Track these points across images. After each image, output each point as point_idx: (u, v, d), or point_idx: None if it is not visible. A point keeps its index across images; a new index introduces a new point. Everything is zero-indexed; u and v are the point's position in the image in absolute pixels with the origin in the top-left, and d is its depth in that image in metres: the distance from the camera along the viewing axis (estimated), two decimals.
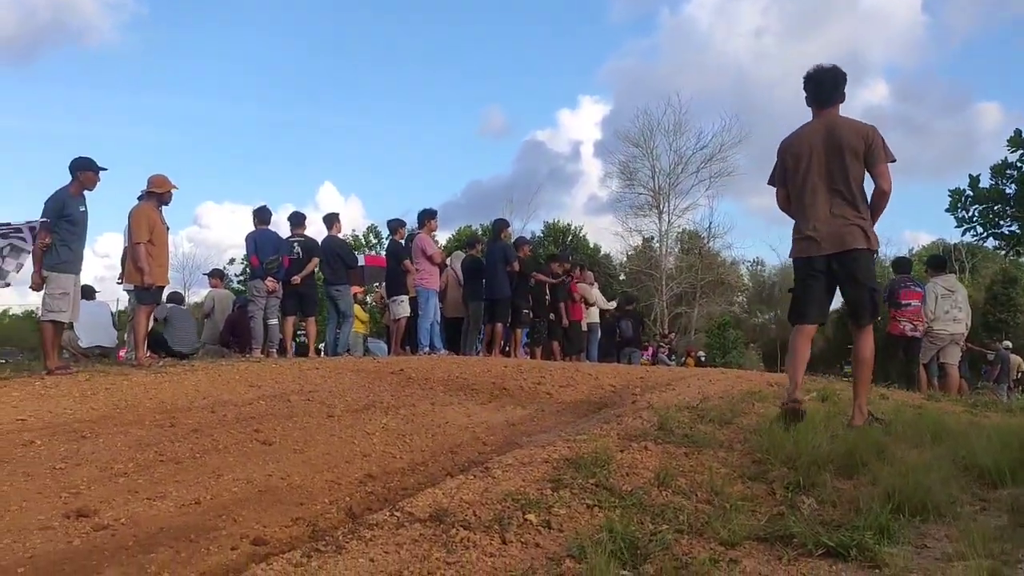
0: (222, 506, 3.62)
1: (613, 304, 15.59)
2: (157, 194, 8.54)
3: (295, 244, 10.68)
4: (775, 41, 62.69)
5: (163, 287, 8.70)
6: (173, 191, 8.63)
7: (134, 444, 4.72)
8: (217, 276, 13.53)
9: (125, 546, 3.13)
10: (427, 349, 10.72)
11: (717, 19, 63.78)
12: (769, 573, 2.51)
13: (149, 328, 9.09)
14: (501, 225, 12.30)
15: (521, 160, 68.60)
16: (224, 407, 5.79)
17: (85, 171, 7.78)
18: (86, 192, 7.89)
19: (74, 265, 7.73)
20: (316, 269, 10.93)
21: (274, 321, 10.44)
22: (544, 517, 2.90)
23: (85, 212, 7.83)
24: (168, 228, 8.62)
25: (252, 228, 10.52)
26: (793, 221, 5.01)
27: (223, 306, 12.08)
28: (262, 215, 10.56)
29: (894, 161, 4.83)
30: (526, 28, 76.23)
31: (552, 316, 12.70)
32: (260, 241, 10.31)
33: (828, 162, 4.76)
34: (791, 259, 5.13)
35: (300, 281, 10.49)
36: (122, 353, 11.01)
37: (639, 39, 74.95)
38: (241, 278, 33.55)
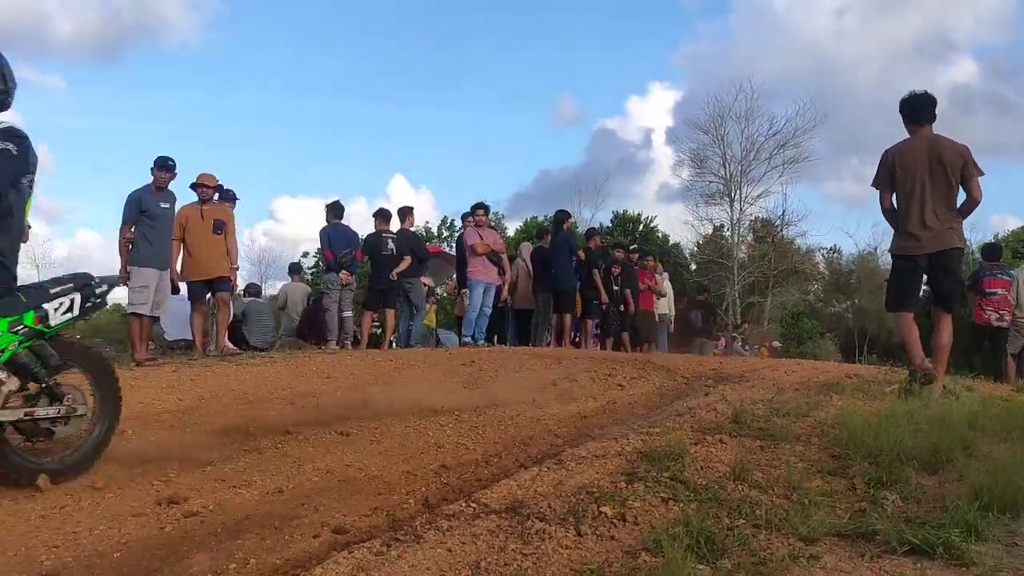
0: (304, 495, 3.73)
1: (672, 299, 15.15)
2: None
3: (388, 240, 10.83)
4: (857, 20, 60.47)
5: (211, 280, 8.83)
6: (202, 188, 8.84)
7: (219, 434, 4.90)
8: (296, 271, 13.90)
9: (214, 532, 3.25)
10: (468, 339, 10.77)
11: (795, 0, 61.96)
12: (851, 570, 2.47)
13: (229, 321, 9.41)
14: (562, 216, 12.24)
15: (592, 149, 67.83)
16: (302, 398, 5.95)
17: (158, 169, 8.06)
18: (172, 190, 8.19)
19: (156, 260, 8.01)
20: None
21: (348, 313, 10.65)
22: (619, 510, 2.91)
23: (167, 209, 8.11)
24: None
25: (325, 223, 10.74)
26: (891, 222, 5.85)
27: (296, 299, 12.38)
28: (335, 210, 10.77)
29: (983, 175, 5.60)
30: (596, 14, 75.44)
31: (622, 307, 12.62)
32: (334, 235, 10.52)
33: (932, 174, 5.54)
34: (892, 254, 5.96)
35: (397, 278, 10.65)
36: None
37: (712, 22, 73.30)
38: (314, 271, 34.24)
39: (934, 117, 5.73)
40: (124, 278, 7.89)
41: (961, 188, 5.58)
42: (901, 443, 3.69)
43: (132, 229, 7.99)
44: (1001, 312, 9.38)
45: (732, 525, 2.78)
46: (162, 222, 8.06)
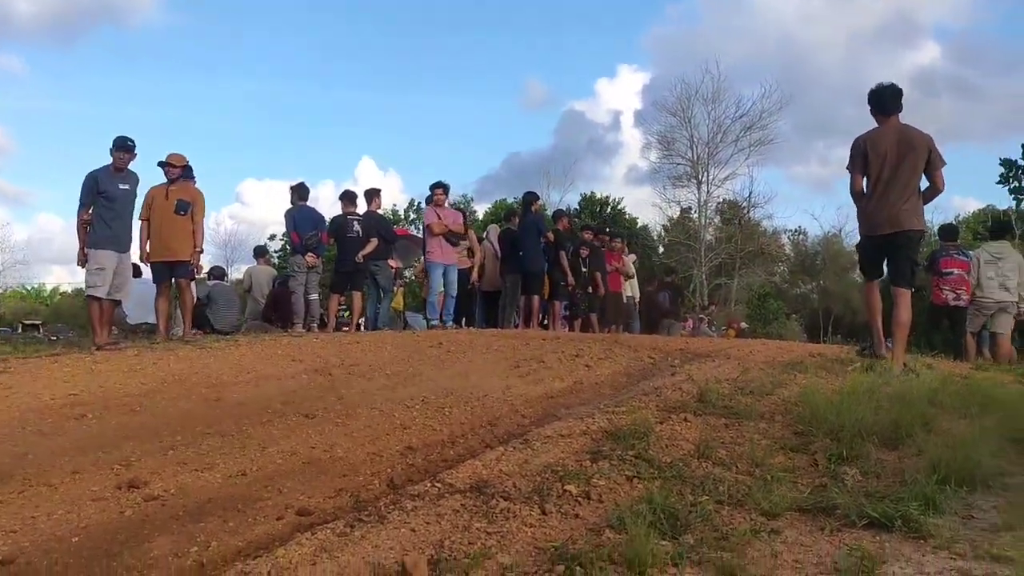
0: (267, 477, 3.69)
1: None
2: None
3: (354, 222, 10.73)
4: (824, 3, 60.94)
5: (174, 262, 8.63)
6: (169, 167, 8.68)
7: (182, 417, 4.84)
8: (262, 254, 13.74)
9: (175, 516, 3.21)
10: (435, 322, 10.74)
11: None
12: (811, 544, 2.50)
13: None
14: (531, 197, 12.20)
15: (560, 131, 68.08)
16: (268, 381, 5.89)
17: (116, 150, 7.89)
18: (134, 171, 8.02)
19: (114, 242, 7.84)
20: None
21: (315, 296, 10.57)
22: (583, 488, 2.92)
23: (127, 191, 7.94)
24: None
25: (290, 205, 10.62)
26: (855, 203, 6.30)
27: (261, 282, 12.25)
28: (300, 191, 10.66)
29: (945, 164, 6.04)
30: None
31: (590, 288, 12.65)
32: (299, 218, 10.41)
33: (900, 161, 5.92)
34: (860, 233, 6.46)
35: (363, 260, 10.55)
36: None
37: (680, 4, 73.52)
38: (280, 254, 33.90)
39: (900, 107, 6.09)
40: (82, 261, 7.74)
41: (926, 176, 5.98)
42: (862, 419, 3.74)
43: (89, 211, 7.82)
44: (958, 292, 9.54)
45: (695, 502, 2.80)
46: (121, 203, 7.89)
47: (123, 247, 7.96)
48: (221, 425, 4.62)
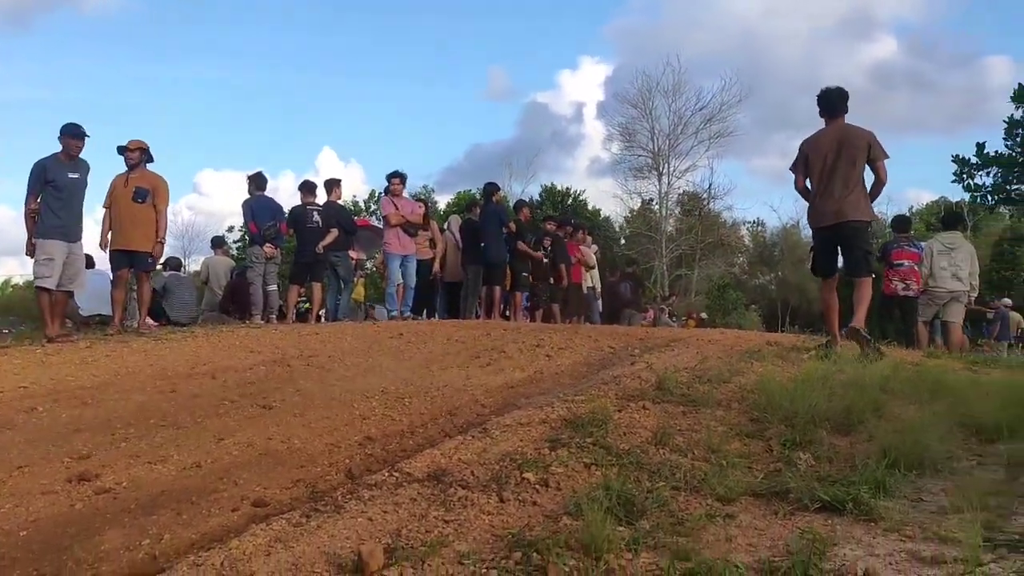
0: (223, 469, 3.64)
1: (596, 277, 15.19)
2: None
3: (314, 212, 10.60)
4: None
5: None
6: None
7: (135, 410, 4.75)
8: (219, 244, 13.53)
9: (127, 509, 3.16)
10: (395, 313, 10.70)
11: None
12: (765, 528, 2.54)
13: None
14: (492, 188, 12.18)
15: (523, 123, 68.05)
16: (224, 372, 5.81)
17: (66, 137, 7.69)
18: (85, 159, 7.83)
19: (63, 232, 7.63)
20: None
21: (273, 287, 10.43)
22: (542, 476, 2.92)
23: (77, 179, 7.74)
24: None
25: (248, 195, 10.47)
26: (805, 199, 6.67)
27: (219, 273, 12.07)
28: (258, 181, 10.50)
29: (888, 158, 6.33)
30: None
31: (552, 279, 12.68)
32: (257, 208, 10.26)
33: (838, 157, 6.26)
34: (810, 227, 6.82)
35: (323, 251, 10.44)
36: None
37: None
38: (239, 245, 33.46)
39: (846, 109, 6.46)
40: (30, 251, 7.55)
41: (870, 169, 6.31)
42: (816, 406, 3.80)
43: (38, 200, 7.62)
44: (907, 282, 9.74)
45: (652, 488, 2.82)
46: (70, 192, 7.68)
47: (73, 237, 7.75)
48: (176, 417, 4.55)
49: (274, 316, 10.46)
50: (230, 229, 42.44)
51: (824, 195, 6.33)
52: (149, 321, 9.46)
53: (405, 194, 11.47)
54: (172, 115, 74.43)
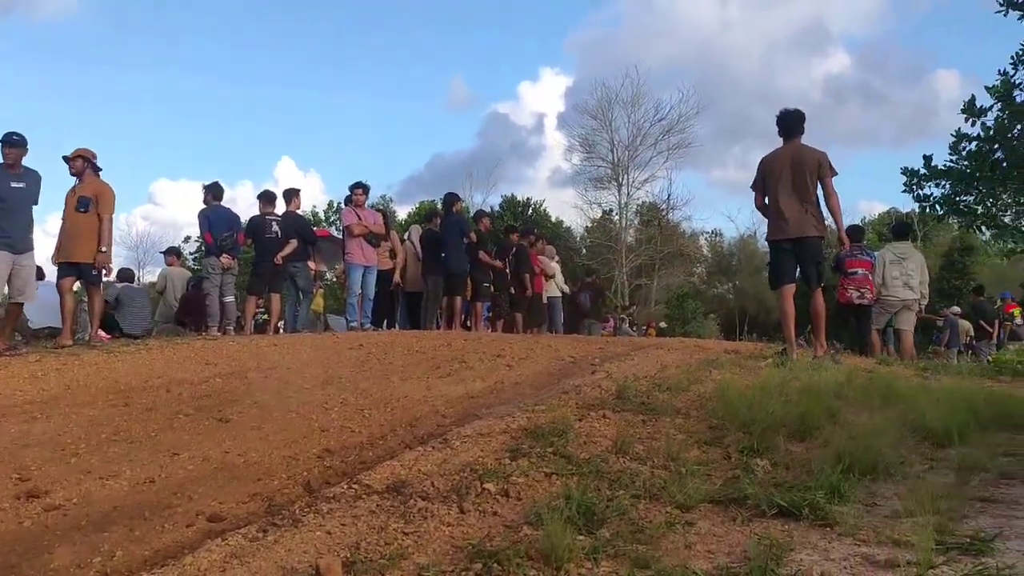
0: (177, 484, 3.57)
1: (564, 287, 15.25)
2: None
3: (273, 223, 10.48)
4: (741, 11, 62.78)
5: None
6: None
7: (87, 424, 4.64)
8: (173, 254, 13.30)
9: (78, 526, 3.08)
10: (355, 324, 10.63)
11: None
12: (724, 534, 2.55)
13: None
14: (452, 198, 12.16)
15: (484, 133, 68.14)
16: (179, 385, 5.71)
17: (2, 146, 7.51)
18: (34, 168, 7.66)
19: (8, 243, 7.43)
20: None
21: (230, 298, 10.28)
22: (502, 486, 2.91)
23: (22, 189, 7.54)
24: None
25: (204, 204, 10.32)
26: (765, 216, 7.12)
27: (176, 284, 11.87)
28: (215, 191, 10.35)
29: (836, 174, 6.82)
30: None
31: (513, 289, 12.70)
32: (214, 218, 10.12)
33: (792, 175, 6.75)
34: (767, 240, 7.16)
35: (283, 262, 10.31)
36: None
37: (601, 9, 74.52)
38: (196, 255, 32.95)
39: (802, 131, 6.96)
40: None
41: (820, 185, 6.78)
42: (773, 413, 3.85)
43: None
44: (862, 290, 9.94)
45: (612, 496, 2.83)
46: (13, 203, 7.47)
47: (19, 248, 7.53)
48: (129, 431, 4.46)
49: (231, 328, 10.31)
50: (186, 239, 41.81)
51: (782, 211, 6.76)
52: (101, 334, 9.26)
53: (366, 205, 11.41)
54: (127, 124, 73.21)
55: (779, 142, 7.05)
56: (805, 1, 62.85)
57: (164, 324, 11.44)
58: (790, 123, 6.94)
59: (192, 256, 37.13)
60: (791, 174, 6.74)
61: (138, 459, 3.94)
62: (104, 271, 8.49)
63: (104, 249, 8.20)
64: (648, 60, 70.15)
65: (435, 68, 78.38)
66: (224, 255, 10.02)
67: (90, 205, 8.11)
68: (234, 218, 10.48)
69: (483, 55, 76.96)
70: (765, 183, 6.93)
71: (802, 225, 6.70)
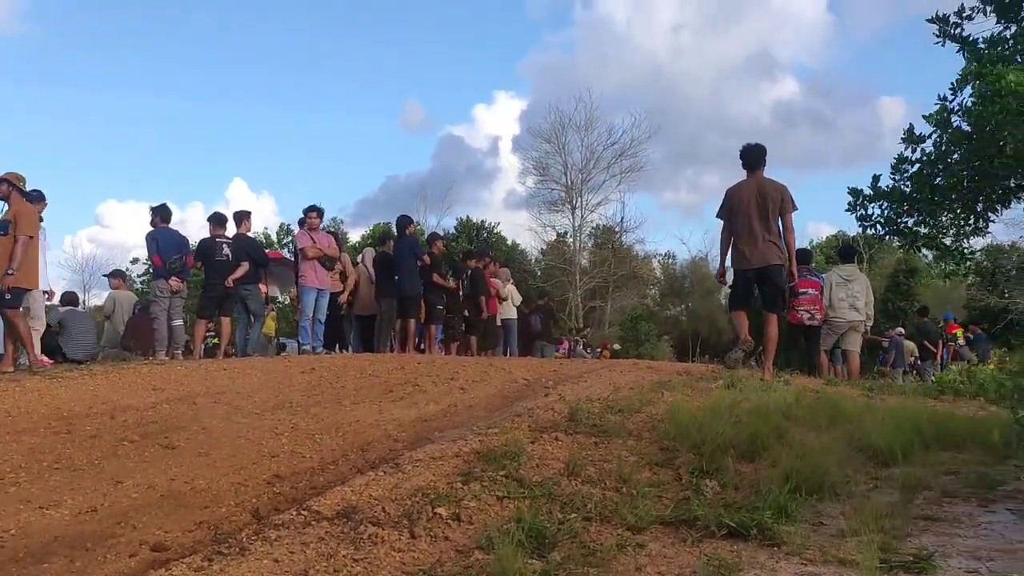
0: (121, 513, 3.49)
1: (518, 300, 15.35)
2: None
3: (223, 245, 10.33)
4: (693, 37, 64.08)
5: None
6: None
7: (27, 452, 4.51)
8: (118, 277, 13.01)
9: (15, 558, 2.99)
10: (308, 347, 10.53)
11: (635, 14, 64.68)
12: (674, 555, 2.58)
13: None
14: (405, 221, 12.13)
15: (439, 155, 68.06)
16: (125, 412, 5.57)
17: None
18: None
19: None
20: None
21: (178, 322, 10.08)
22: (454, 510, 2.90)
23: None
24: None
25: (151, 227, 10.13)
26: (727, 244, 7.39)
27: (123, 308, 11.61)
28: (162, 213, 10.17)
29: (797, 210, 7.24)
30: (443, 19, 75.62)
31: (469, 312, 12.69)
32: (162, 240, 9.93)
33: (756, 208, 7.08)
34: (733, 268, 7.41)
35: (233, 285, 10.15)
36: None
37: (556, 34, 75.34)
38: (145, 278, 32.30)
39: (764, 164, 7.31)
40: None
41: (780, 220, 7.13)
42: (723, 434, 3.90)
43: None
44: (812, 311, 10.14)
45: (564, 519, 2.83)
46: None
47: None
48: (71, 459, 4.34)
49: (179, 352, 10.11)
50: (134, 261, 40.93)
51: (747, 240, 7.12)
52: (44, 359, 9.00)
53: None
54: (73, 144, 71.71)
55: (742, 173, 7.33)
56: (754, 30, 64.37)
57: (110, 349, 11.17)
58: (753, 157, 7.28)
59: (141, 279, 36.38)
60: (756, 206, 7.08)
61: (80, 488, 3.83)
62: (47, 295, 8.26)
63: (11, 271, 7.82)
64: (602, 85, 71.08)
65: (390, 90, 78.32)
66: (173, 278, 9.83)
67: (8, 228, 7.87)
68: (183, 240, 10.32)
69: (438, 77, 77.22)
70: (731, 213, 7.25)
71: (765, 254, 7.06)
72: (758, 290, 7.23)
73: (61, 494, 3.74)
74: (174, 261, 9.85)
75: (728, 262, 7.53)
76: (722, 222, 7.40)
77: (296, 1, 74.82)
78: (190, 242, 10.35)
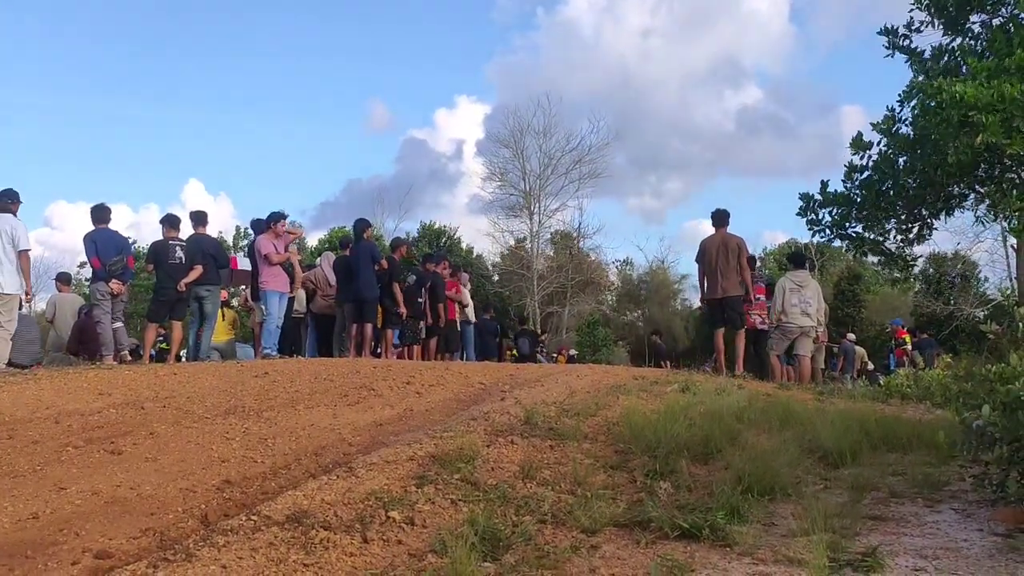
0: (64, 520, 3.38)
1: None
2: None
3: (177, 248, 10.11)
4: (660, 43, 64.46)
5: None
6: None
7: None
8: (63, 280, 12.66)
9: None
10: (267, 351, 10.39)
11: (603, 19, 64.94)
12: (627, 557, 2.58)
13: None
14: (363, 225, 12.02)
15: (402, 159, 67.48)
16: (69, 417, 5.42)
17: None
18: None
19: None
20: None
21: (120, 324, 9.83)
22: (407, 514, 2.87)
23: None
24: None
25: (91, 227, 9.86)
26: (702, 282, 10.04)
27: (66, 312, 11.30)
28: (100, 214, 9.85)
29: (751, 255, 10.18)
30: (407, 20, 75.16)
31: (428, 317, 12.63)
32: (100, 241, 9.66)
33: (722, 256, 9.62)
34: (704, 300, 10.18)
35: (186, 288, 9.94)
36: None
37: (521, 37, 75.42)
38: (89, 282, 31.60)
39: (728, 223, 9.94)
40: None
41: (739, 264, 9.56)
42: (677, 436, 3.93)
43: None
44: (763, 316, 10.37)
45: (518, 522, 2.82)
46: None
47: None
48: (12, 465, 4.21)
49: (126, 353, 9.87)
50: (82, 265, 39.95)
51: (713, 280, 9.69)
52: None
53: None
54: (20, 142, 69.78)
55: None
56: (719, 37, 65.00)
57: (55, 353, 10.88)
58: (720, 217, 9.91)
59: (87, 282, 35.62)
60: (722, 253, 9.62)
61: (21, 494, 3.71)
62: None
63: None
64: (567, 90, 70.89)
65: (352, 93, 77.59)
66: (113, 280, 9.58)
67: None
68: (122, 241, 10.04)
69: (401, 81, 76.73)
70: (704, 258, 9.77)
71: (727, 288, 9.57)
72: (724, 313, 9.64)
73: (1, 501, 3.61)
74: (114, 263, 9.58)
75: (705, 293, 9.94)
76: (698, 265, 9.94)
77: (253, 4, 73.78)
78: (129, 243, 10.07)
